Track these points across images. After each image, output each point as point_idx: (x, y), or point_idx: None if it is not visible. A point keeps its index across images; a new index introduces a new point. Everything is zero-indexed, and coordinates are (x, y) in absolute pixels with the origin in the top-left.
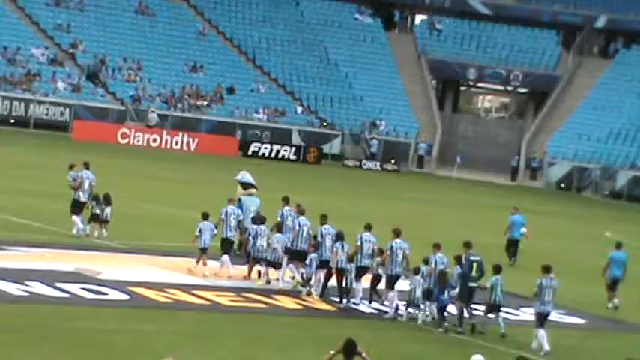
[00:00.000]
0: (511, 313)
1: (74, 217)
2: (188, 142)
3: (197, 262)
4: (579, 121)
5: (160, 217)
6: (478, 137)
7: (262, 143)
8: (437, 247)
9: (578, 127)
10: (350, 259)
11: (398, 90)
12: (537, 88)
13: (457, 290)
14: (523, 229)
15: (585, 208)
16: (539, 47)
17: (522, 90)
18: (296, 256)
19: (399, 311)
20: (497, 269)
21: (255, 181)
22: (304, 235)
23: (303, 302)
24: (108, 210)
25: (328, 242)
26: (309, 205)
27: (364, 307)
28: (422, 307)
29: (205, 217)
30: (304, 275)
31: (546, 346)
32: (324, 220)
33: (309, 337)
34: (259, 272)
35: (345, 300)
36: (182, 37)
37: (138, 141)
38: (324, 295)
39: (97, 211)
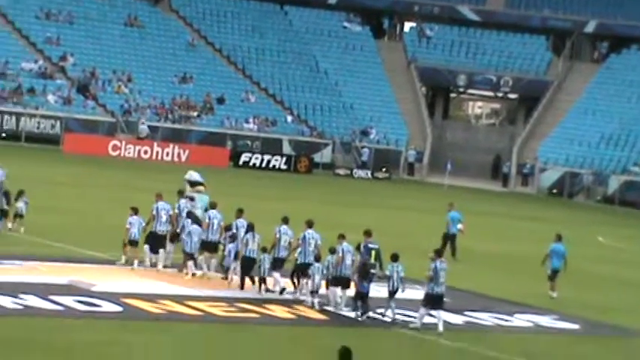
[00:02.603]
0: (504, 320)
1: None
2: (179, 153)
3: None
4: (570, 126)
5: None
6: (469, 144)
7: (253, 153)
8: (342, 237)
9: (569, 132)
10: (264, 250)
11: (388, 97)
12: (528, 93)
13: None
14: (460, 225)
15: (578, 213)
16: (529, 53)
17: (513, 96)
18: (207, 247)
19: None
20: (394, 257)
21: (204, 179)
22: (215, 227)
23: (296, 311)
24: (21, 205)
25: (242, 234)
26: (298, 214)
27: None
28: (319, 292)
29: (135, 211)
30: (224, 263)
31: (419, 323)
32: (239, 214)
33: (302, 346)
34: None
35: (260, 289)
36: (171, 49)
37: (129, 153)
38: (242, 287)
39: (6, 207)
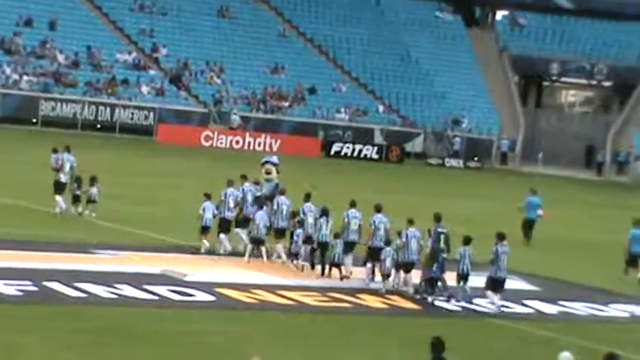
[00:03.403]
0: (599, 310)
1: (57, 197)
2: (270, 143)
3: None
4: None
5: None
6: (562, 132)
7: (344, 143)
8: (410, 222)
9: None
10: (336, 236)
11: (480, 86)
12: (622, 81)
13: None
14: (540, 211)
15: None
16: (624, 40)
17: (607, 84)
18: (276, 233)
19: (374, 283)
20: (466, 241)
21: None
22: (284, 213)
23: (388, 301)
24: (94, 190)
25: (310, 219)
26: (392, 204)
27: (448, 304)
28: (390, 277)
29: (208, 197)
30: (292, 250)
31: (495, 308)
32: (307, 198)
33: (394, 336)
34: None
35: (337, 275)
36: (263, 39)
37: (221, 143)
38: (314, 267)
39: (78, 192)
